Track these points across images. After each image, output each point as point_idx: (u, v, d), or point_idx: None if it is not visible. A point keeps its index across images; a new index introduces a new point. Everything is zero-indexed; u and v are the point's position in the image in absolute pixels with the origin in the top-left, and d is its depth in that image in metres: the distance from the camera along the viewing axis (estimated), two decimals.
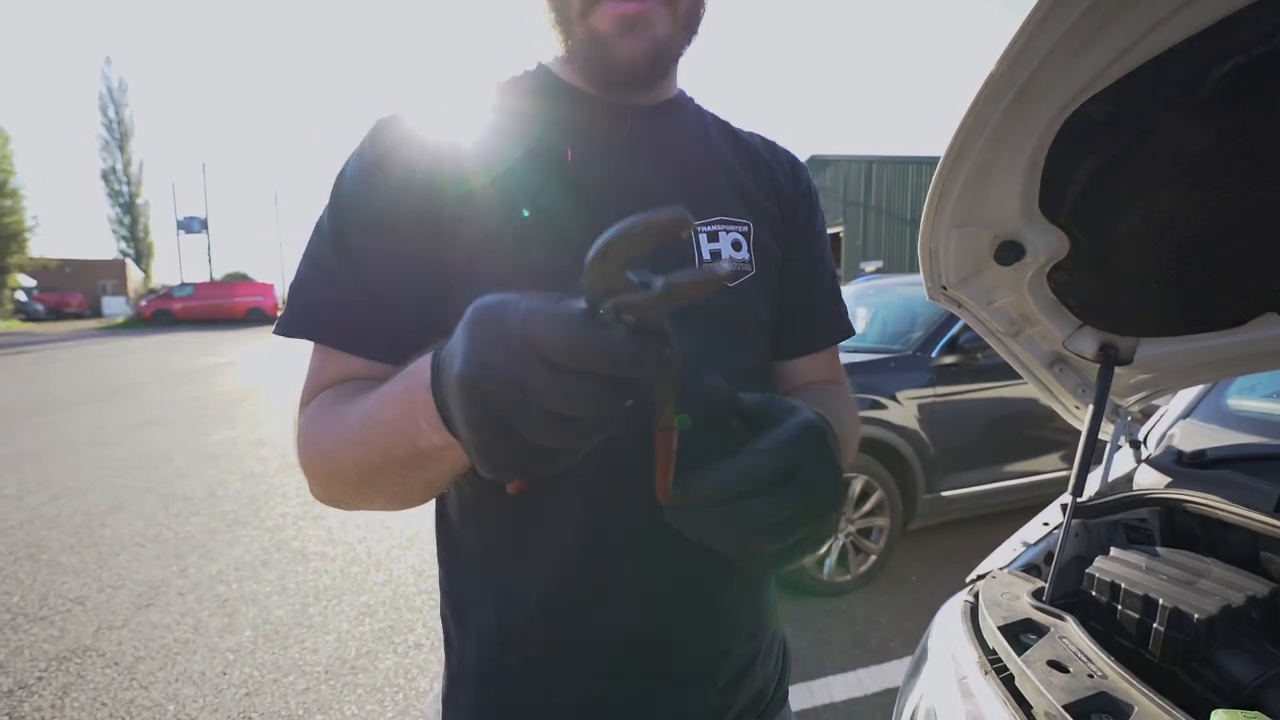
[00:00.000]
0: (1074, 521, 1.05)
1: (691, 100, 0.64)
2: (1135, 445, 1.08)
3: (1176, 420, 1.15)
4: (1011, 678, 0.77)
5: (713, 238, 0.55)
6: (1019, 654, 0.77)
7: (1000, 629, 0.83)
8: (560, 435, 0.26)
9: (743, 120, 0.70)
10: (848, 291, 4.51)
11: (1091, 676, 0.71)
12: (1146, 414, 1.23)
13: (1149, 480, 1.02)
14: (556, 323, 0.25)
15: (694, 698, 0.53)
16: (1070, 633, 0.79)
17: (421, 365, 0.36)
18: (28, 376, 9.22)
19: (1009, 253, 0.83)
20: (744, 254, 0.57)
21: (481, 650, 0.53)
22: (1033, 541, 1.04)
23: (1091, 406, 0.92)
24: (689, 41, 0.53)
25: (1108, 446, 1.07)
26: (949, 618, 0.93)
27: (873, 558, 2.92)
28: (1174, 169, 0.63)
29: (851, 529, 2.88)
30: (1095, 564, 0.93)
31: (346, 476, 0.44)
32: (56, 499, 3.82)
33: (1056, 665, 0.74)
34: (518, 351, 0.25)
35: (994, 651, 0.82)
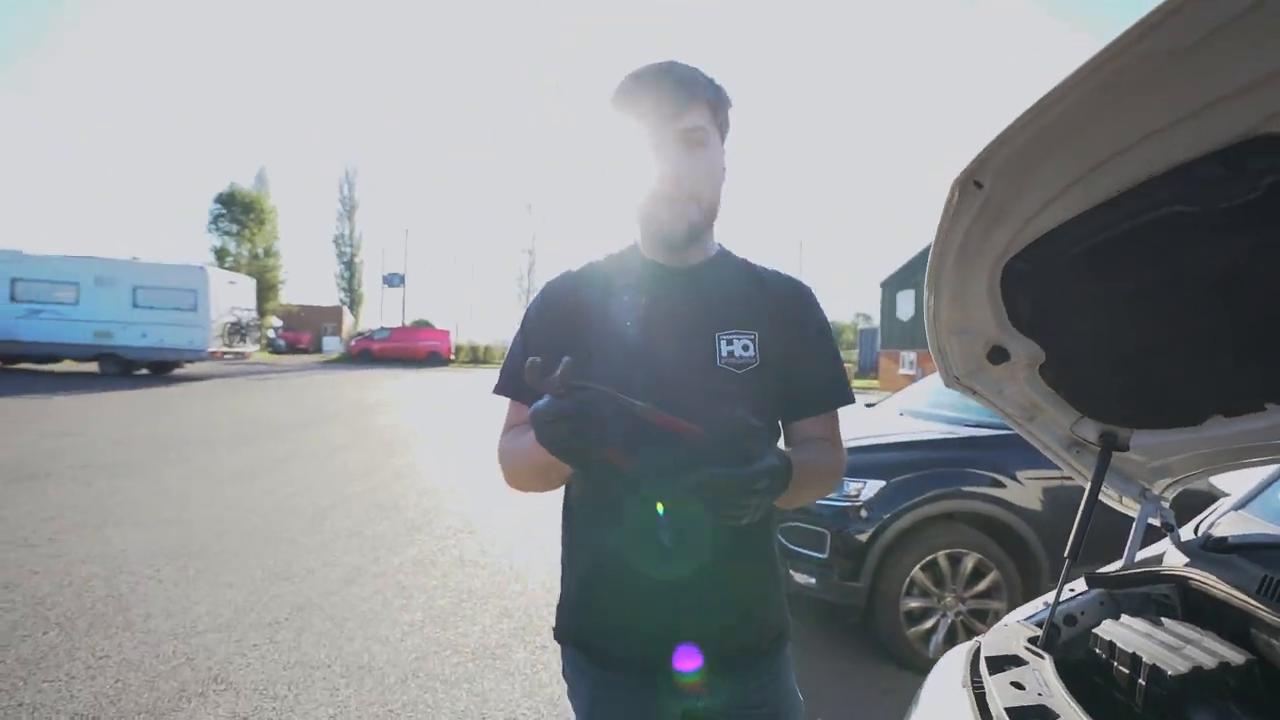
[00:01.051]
0: (1099, 591, 1.18)
1: (728, 254, 1.00)
2: (1169, 529, 1.17)
3: (1227, 511, 1.21)
4: (984, 692, 0.96)
5: (729, 342, 0.90)
6: (992, 675, 0.97)
7: (988, 659, 1.02)
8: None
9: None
10: None
11: (1040, 695, 0.90)
12: (1212, 498, 1.28)
13: (1174, 560, 1.12)
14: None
15: (700, 627, 0.86)
16: (1043, 667, 0.97)
17: None
18: (278, 398, 11.81)
19: (998, 355, 1.07)
20: (751, 353, 0.90)
21: (582, 578, 0.91)
22: (1053, 603, 1.18)
23: (1088, 485, 1.08)
24: (713, 221, 0.92)
25: (1134, 525, 1.18)
26: (956, 653, 1.12)
27: None
28: (1087, 305, 0.87)
29: (962, 609, 2.82)
30: (1102, 626, 1.07)
31: (523, 473, 0.89)
32: (296, 495, 4.99)
33: (1017, 685, 0.93)
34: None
35: (979, 675, 1.01)
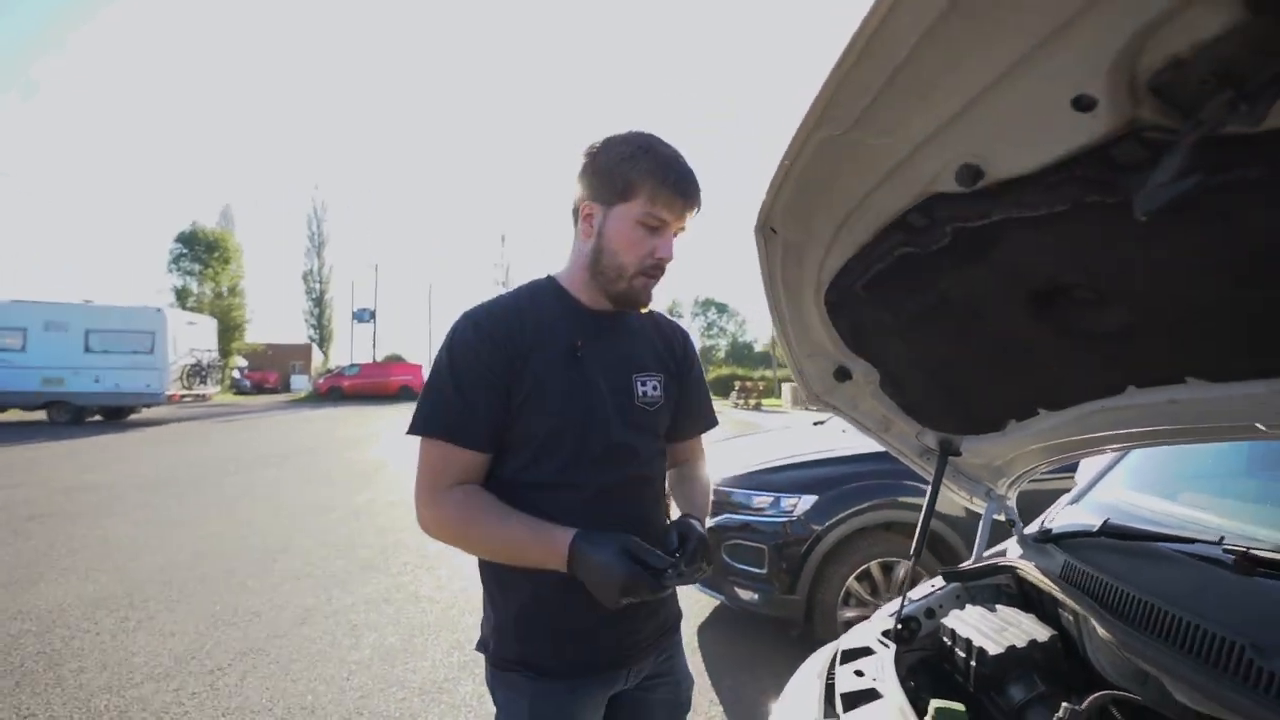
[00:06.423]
0: (955, 585, 1.29)
1: None
2: (1012, 524, 1.30)
3: (1063, 506, 1.35)
4: (834, 681, 1.06)
5: (643, 383, 1.04)
6: (842, 665, 1.07)
7: (843, 651, 1.12)
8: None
9: None
10: None
11: (875, 680, 1.00)
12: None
13: (1013, 552, 1.25)
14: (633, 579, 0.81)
15: (642, 627, 0.98)
16: (885, 655, 1.07)
17: (560, 541, 0.85)
18: (237, 440, 11.52)
19: (842, 374, 1.20)
20: (659, 392, 1.05)
21: (524, 605, 0.95)
22: (916, 598, 1.29)
23: (930, 488, 1.21)
24: None
25: (981, 522, 1.30)
26: (824, 649, 1.22)
27: None
28: (886, 329, 1.00)
29: None
30: (949, 616, 1.18)
31: (482, 553, 0.95)
32: (247, 538, 4.89)
33: (859, 673, 1.03)
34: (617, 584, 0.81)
35: (835, 666, 1.11)
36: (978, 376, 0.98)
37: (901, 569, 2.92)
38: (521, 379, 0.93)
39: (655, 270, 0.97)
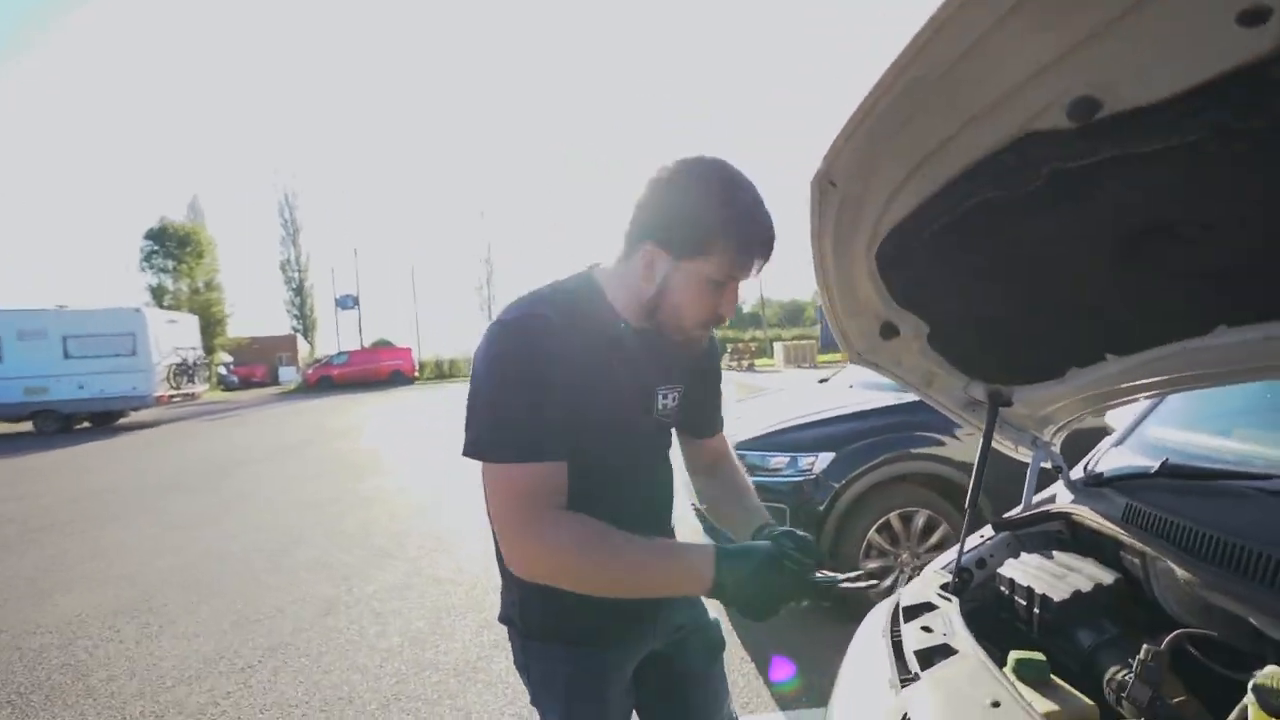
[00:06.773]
0: (1005, 534, 1.29)
1: None
2: (1059, 470, 1.30)
3: (1108, 448, 1.34)
4: (900, 639, 1.06)
5: (664, 395, 1.03)
6: (906, 623, 1.07)
7: (905, 608, 1.12)
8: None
9: None
10: None
11: (945, 635, 1.00)
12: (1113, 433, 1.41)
13: (1063, 498, 1.24)
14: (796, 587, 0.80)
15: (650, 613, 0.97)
16: (950, 609, 1.07)
17: (699, 562, 0.80)
18: (232, 437, 11.41)
19: (889, 331, 1.16)
20: (674, 403, 1.05)
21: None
22: (968, 549, 1.29)
23: (982, 439, 1.19)
24: None
25: (1029, 470, 1.30)
26: (882, 606, 1.22)
27: None
28: (947, 281, 0.96)
29: (916, 563, 2.98)
30: (1004, 565, 1.18)
31: (598, 584, 0.83)
32: (259, 533, 4.87)
33: (926, 629, 1.03)
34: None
35: (898, 623, 1.11)
36: (1041, 325, 0.96)
37: (920, 518, 2.96)
38: (568, 390, 0.87)
39: (715, 324, 0.95)
